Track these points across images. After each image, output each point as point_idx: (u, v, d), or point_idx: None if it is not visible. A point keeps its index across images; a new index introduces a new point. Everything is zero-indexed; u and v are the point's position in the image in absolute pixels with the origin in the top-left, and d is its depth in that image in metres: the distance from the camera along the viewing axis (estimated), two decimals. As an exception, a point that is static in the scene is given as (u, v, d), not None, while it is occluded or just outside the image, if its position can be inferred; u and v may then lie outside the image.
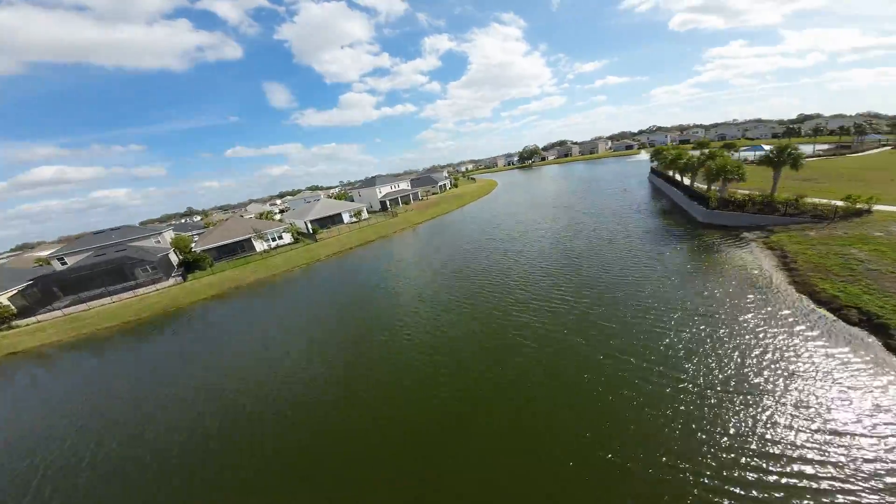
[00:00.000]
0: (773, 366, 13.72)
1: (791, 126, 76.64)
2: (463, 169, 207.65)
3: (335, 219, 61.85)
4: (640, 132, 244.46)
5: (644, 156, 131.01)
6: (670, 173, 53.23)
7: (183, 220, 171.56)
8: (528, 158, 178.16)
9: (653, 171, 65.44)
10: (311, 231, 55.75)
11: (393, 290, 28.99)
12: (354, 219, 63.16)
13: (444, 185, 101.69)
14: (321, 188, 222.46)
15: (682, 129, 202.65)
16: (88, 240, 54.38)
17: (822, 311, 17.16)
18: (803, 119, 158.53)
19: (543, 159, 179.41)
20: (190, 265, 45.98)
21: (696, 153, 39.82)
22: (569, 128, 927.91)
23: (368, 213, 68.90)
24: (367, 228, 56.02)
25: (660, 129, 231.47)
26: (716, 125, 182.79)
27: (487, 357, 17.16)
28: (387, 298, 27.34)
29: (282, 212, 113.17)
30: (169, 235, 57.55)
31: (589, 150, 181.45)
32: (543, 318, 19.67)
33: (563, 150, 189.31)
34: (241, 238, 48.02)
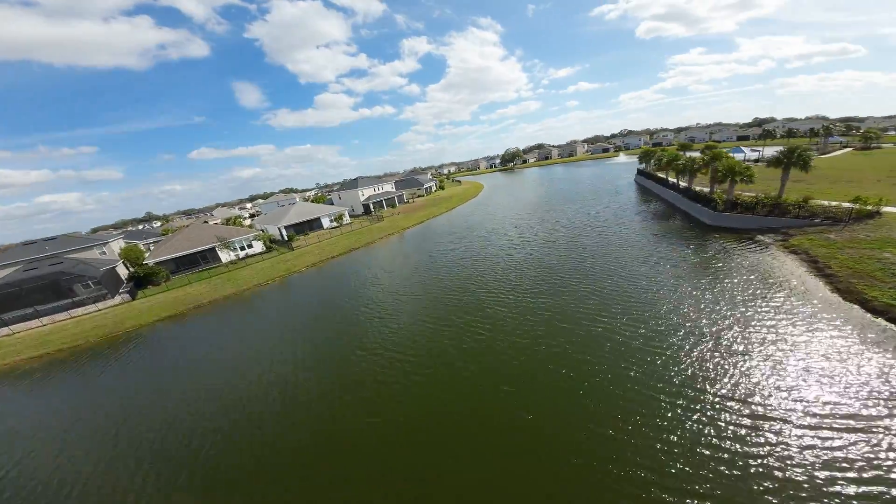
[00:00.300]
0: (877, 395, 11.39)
1: (767, 129, 79.94)
2: (445, 171, 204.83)
3: (313, 224, 56.74)
4: (613, 136, 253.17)
5: (622, 158, 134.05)
6: (662, 175, 52.88)
7: (141, 227, 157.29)
8: (510, 161, 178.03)
9: (640, 172, 65.35)
10: (287, 238, 50.41)
11: (387, 309, 25.16)
12: (335, 224, 58.21)
13: (430, 187, 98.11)
14: (296, 191, 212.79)
15: (650, 132, 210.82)
16: (16, 252, 46.27)
17: (882, 322, 15.47)
18: (760, 123, 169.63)
19: (525, 162, 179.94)
20: (141, 280, 39.77)
21: (696, 155, 38.74)
22: (545, 132, 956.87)
23: (350, 217, 64.14)
24: (350, 234, 51.40)
25: (631, 132, 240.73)
26: (684, 128, 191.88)
27: (523, 408, 13.86)
28: (381, 319, 23.46)
29: (252, 217, 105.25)
30: (117, 245, 50.22)
31: (568, 153, 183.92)
32: (579, 347, 16.61)
33: (542, 153, 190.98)
34: (202, 248, 42.16)
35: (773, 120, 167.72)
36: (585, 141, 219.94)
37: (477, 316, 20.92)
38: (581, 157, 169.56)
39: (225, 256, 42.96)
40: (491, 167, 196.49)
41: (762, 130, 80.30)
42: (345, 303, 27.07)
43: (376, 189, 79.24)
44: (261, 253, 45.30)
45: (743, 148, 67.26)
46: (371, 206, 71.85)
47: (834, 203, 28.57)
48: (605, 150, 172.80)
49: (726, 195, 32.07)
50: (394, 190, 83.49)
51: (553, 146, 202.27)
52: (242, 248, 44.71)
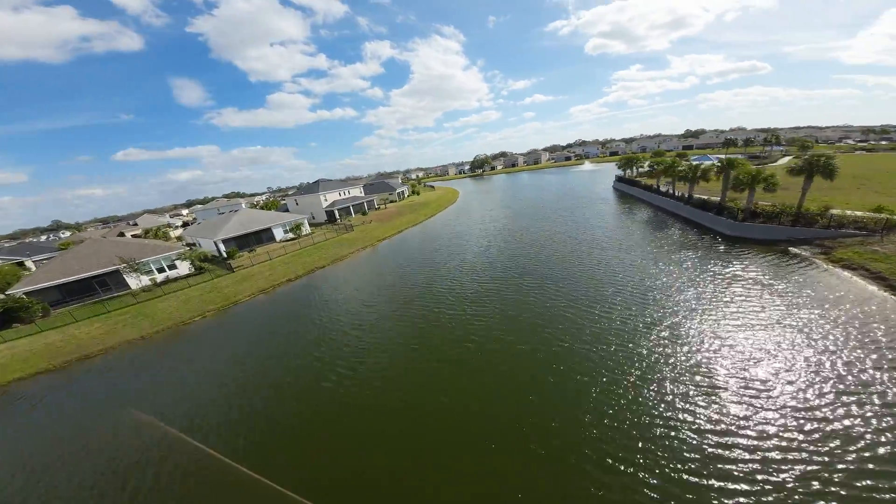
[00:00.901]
0: None
1: (728, 138, 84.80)
2: (413, 176, 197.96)
3: (262, 236, 46.66)
4: (570, 145, 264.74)
5: (588, 166, 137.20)
6: (650, 182, 51.41)
7: (46, 237, 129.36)
8: (479, 167, 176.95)
9: (621, 179, 64.18)
10: (226, 255, 40.05)
11: (374, 380, 17.99)
12: (292, 235, 48.58)
13: (403, 192, 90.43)
14: (244, 195, 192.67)
15: (601, 143, 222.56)
16: None
17: None
18: (694, 133, 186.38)
19: (493, 168, 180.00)
20: (5, 317, 27.96)
21: (710, 161, 36.51)
22: (504, 140, 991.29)
23: (311, 226, 54.65)
24: (311, 249, 42.35)
25: (585, 142, 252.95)
26: (632, 139, 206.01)
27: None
28: (367, 394, 16.29)
29: (185, 226, 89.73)
30: (-26, 267, 36.44)
31: (533, 160, 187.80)
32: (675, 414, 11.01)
33: (509, 161, 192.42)
34: (102, 270, 31.06)
35: (703, 132, 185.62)
36: (545, 150, 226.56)
37: (514, 386, 14.62)
38: (546, 164, 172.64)
39: (135, 282, 32.06)
40: (460, 173, 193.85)
41: (724, 140, 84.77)
42: (309, 365, 19.07)
43: (342, 193, 69.95)
44: (188, 276, 34.75)
45: (710, 156, 69.45)
46: (336, 212, 62.74)
47: (859, 213, 26.82)
48: (568, 159, 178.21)
49: (745, 203, 29.43)
50: (363, 195, 74.64)
51: (519, 154, 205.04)
52: (162, 270, 33.95)
